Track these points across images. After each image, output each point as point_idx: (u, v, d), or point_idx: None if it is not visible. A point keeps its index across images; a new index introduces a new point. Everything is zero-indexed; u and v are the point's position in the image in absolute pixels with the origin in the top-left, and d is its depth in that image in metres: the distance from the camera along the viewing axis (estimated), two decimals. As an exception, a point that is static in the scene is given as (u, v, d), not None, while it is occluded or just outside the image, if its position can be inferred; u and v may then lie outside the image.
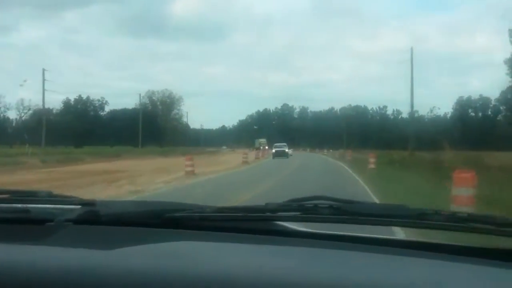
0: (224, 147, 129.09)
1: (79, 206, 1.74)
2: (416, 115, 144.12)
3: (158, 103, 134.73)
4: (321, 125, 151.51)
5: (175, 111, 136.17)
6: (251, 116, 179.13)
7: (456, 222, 1.56)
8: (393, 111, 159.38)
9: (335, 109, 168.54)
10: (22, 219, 1.69)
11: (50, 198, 1.92)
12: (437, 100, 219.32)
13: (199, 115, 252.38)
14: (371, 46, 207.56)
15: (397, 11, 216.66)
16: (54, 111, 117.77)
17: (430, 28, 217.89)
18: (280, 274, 1.25)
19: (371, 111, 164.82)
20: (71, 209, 1.71)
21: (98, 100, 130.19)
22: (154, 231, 1.67)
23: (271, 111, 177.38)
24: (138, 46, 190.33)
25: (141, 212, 1.78)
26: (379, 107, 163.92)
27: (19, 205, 1.75)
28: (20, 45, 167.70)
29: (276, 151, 64.03)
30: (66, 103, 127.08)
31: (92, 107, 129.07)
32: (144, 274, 1.25)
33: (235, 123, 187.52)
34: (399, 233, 4.95)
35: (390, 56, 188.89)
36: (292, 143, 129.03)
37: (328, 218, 1.61)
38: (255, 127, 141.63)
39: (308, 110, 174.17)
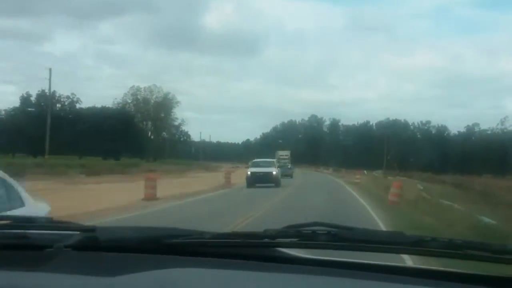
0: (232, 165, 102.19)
1: (78, 232, 1.75)
2: (476, 129, 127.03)
3: (142, 103, 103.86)
4: (354, 141, 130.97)
5: (170, 116, 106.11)
6: (275, 129, 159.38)
7: (453, 249, 1.57)
8: (438, 126, 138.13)
9: (371, 123, 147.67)
10: (22, 245, 1.71)
11: (50, 224, 1.92)
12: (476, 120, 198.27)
13: (225, 128, 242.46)
14: (406, 64, 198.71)
15: (433, 30, 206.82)
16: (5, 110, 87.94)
17: (466, 49, 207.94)
18: None
19: (412, 127, 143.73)
20: (71, 235, 1.73)
21: (68, 97, 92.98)
22: (154, 258, 1.68)
23: (297, 123, 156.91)
24: (170, 59, 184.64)
25: (141, 238, 1.78)
26: (421, 122, 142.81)
27: (19, 231, 1.76)
28: (54, 54, 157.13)
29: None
30: (25, 100, 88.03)
31: (59, 105, 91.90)
32: None
33: (258, 136, 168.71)
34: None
35: (425, 75, 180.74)
36: (318, 161, 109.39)
37: (326, 245, 1.63)
38: (280, 141, 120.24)
39: (340, 123, 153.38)
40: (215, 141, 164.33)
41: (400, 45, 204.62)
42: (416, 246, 1.58)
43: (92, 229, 1.75)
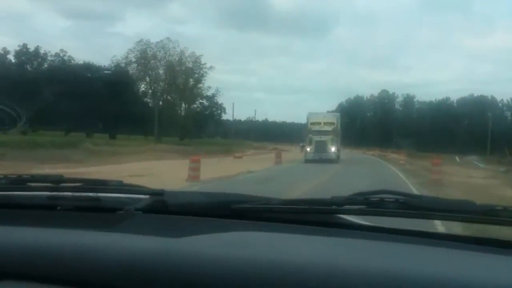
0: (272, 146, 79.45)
1: (147, 196, 1.79)
2: None
3: (159, 62, 76.53)
4: (432, 119, 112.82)
5: (201, 84, 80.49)
6: (340, 105, 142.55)
7: None
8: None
9: (451, 100, 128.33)
10: (94, 207, 1.78)
11: (120, 187, 1.96)
12: None
13: (293, 109, 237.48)
14: (483, 44, 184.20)
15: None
16: None
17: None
18: (345, 266, 1.28)
19: (500, 104, 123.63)
20: (140, 199, 1.78)
21: (57, 55, 72.52)
22: (222, 221, 1.71)
23: (365, 99, 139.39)
24: (240, 39, 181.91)
25: (209, 202, 1.81)
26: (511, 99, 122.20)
27: (91, 194, 1.82)
28: (125, 34, 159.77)
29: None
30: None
31: (45, 64, 71.26)
32: (213, 262, 1.29)
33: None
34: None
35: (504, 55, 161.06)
36: (390, 143, 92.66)
37: (394, 212, 1.61)
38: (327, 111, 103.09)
39: (415, 99, 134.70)
40: (279, 121, 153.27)
41: (478, 25, 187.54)
42: (487, 215, 1.56)
43: (160, 193, 1.79)
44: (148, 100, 77.72)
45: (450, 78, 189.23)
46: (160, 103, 77.82)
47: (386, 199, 1.63)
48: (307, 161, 38.18)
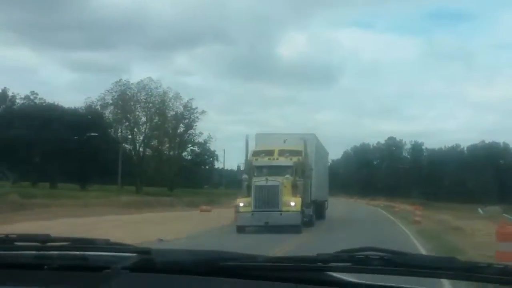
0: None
1: (134, 254, 1.81)
2: None
3: (134, 104, 69.60)
4: (441, 167, 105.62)
5: (192, 130, 73.26)
6: (345, 153, 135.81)
7: (508, 275, 1.54)
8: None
9: (461, 147, 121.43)
10: (81, 266, 1.78)
11: (107, 245, 1.99)
12: None
13: None
14: (487, 94, 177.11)
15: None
16: None
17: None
18: None
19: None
20: (127, 257, 1.79)
21: (27, 97, 65.90)
22: (209, 280, 1.72)
23: (371, 147, 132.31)
24: (246, 89, 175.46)
25: (196, 260, 1.81)
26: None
27: (78, 253, 1.83)
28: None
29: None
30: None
31: (13, 107, 63.88)
32: None
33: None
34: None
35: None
36: (397, 192, 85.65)
37: (379, 270, 1.64)
38: (340, 170, 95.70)
39: (424, 147, 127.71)
40: None
41: (481, 74, 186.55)
42: (470, 272, 1.57)
43: (147, 251, 1.80)
44: (127, 147, 70.10)
45: (458, 127, 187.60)
46: (140, 149, 71.16)
47: (371, 256, 1.65)
48: (240, 229, 21.49)
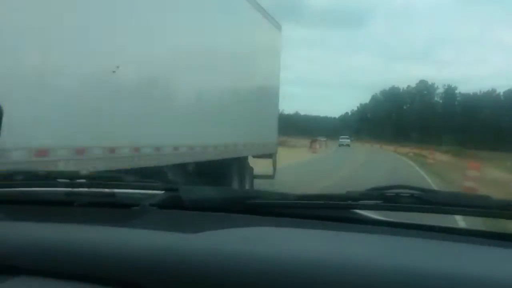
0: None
1: (162, 192, 1.81)
2: None
3: None
4: (476, 113, 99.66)
5: None
6: (374, 97, 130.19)
7: None
8: None
9: (497, 92, 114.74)
10: (109, 203, 1.80)
11: (136, 183, 1.99)
12: None
13: (326, 102, 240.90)
14: None
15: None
16: None
17: None
18: (361, 261, 1.28)
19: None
20: (155, 194, 1.79)
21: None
22: (236, 217, 1.72)
23: (401, 90, 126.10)
24: None
25: (223, 198, 1.84)
26: None
27: (106, 190, 1.84)
28: None
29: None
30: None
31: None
32: (228, 258, 1.29)
33: (355, 109, 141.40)
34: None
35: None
36: (429, 140, 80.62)
37: (409, 207, 1.63)
38: (368, 115, 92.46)
39: (457, 91, 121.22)
40: (312, 115, 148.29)
41: None
42: (504, 209, 1.56)
43: (175, 189, 1.81)
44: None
45: (493, 72, 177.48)
46: None
47: (401, 194, 1.62)
48: None
